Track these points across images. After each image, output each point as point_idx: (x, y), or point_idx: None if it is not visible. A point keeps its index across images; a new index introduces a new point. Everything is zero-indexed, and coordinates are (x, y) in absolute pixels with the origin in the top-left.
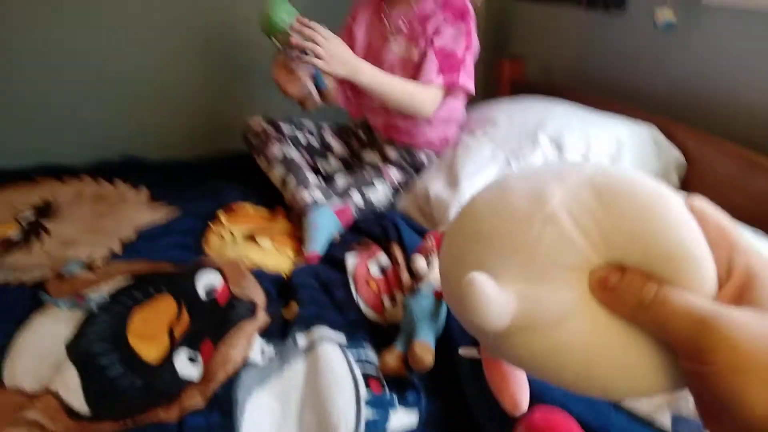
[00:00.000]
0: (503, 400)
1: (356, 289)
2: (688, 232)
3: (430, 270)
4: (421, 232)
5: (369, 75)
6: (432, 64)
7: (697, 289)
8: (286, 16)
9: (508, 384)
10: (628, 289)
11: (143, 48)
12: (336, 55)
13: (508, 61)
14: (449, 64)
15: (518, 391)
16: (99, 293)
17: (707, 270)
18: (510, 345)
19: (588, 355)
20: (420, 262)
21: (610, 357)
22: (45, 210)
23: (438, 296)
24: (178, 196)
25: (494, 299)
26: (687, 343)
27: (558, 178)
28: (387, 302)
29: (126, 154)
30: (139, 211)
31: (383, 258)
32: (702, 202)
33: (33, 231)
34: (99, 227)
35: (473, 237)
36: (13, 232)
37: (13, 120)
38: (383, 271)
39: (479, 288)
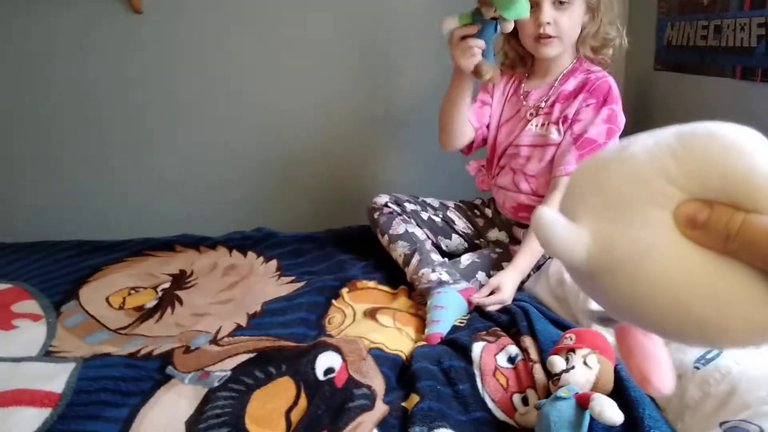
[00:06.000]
0: (632, 374)
1: (482, 382)
2: (763, 158)
3: (571, 372)
4: (555, 321)
5: (524, 266)
6: (571, 154)
7: None
8: None
9: (634, 358)
10: (717, 221)
11: (278, 128)
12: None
13: None
14: (590, 151)
15: (647, 366)
16: (222, 369)
17: None
18: (601, 289)
19: (677, 291)
20: (558, 362)
21: (703, 290)
22: (181, 280)
23: (581, 402)
24: (305, 269)
25: (560, 231)
26: None
27: (648, 133)
28: (518, 402)
29: (260, 227)
30: (266, 284)
31: (513, 349)
32: None
33: (167, 300)
34: (228, 299)
35: (569, 189)
36: (149, 301)
37: (160, 193)
38: (513, 363)
39: (545, 221)
